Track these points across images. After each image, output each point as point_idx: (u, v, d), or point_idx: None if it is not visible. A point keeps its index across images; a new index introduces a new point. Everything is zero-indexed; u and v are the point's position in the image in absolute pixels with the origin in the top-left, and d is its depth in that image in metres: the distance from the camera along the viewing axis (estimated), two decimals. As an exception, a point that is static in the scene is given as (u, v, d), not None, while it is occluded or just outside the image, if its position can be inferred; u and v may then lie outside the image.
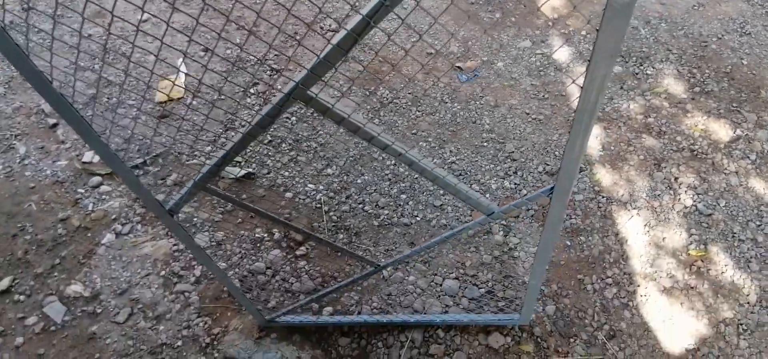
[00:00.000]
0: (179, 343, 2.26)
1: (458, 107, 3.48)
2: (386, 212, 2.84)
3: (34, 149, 3.36)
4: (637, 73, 3.52)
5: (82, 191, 3.08)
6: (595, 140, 3.13)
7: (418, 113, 3.48)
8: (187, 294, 2.47)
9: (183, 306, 2.41)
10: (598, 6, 4.13)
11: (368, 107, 3.54)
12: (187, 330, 2.31)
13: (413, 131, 3.31)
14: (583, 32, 3.92)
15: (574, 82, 1.51)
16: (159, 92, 3.82)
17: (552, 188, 1.59)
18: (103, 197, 3.01)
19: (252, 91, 3.76)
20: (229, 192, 3.04)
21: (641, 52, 3.67)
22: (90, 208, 2.94)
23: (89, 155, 3.38)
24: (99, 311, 2.38)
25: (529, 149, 3.13)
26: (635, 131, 3.16)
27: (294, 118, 3.51)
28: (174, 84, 3.80)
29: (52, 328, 2.30)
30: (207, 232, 2.79)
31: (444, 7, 4.33)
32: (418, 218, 2.80)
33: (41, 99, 3.86)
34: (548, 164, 3.02)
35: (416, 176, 3.03)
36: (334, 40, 1.29)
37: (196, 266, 2.62)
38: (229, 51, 4.11)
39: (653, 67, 3.53)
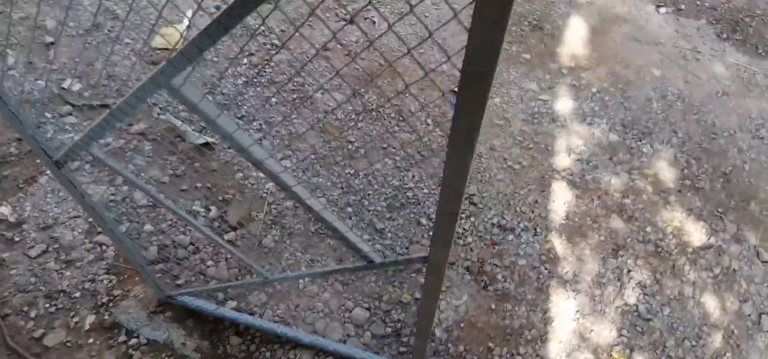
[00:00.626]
0: (77, 294, 2.24)
1: (438, 134, 3.31)
2: (327, 220, 2.73)
3: (21, 62, 3.40)
4: (632, 148, 3.26)
5: (49, 115, 3.08)
6: (562, 206, 2.92)
7: (397, 127, 3.33)
8: (105, 247, 2.43)
9: (96, 258, 2.38)
10: (620, 66, 3.85)
11: (350, 107, 3.42)
12: (90, 283, 2.27)
13: (384, 145, 3.17)
14: (594, 89, 3.66)
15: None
16: (159, 36, 3.80)
17: (425, 257, 1.45)
18: (66, 127, 3.01)
19: (244, 61, 3.69)
20: (186, 157, 2.99)
21: (645, 126, 3.39)
22: (49, 136, 2.95)
23: (68, 82, 3.39)
24: (17, 240, 2.38)
25: (491, 196, 2.95)
26: (607, 208, 2.92)
27: (274, 99, 3.43)
28: (180, 35, 3.77)
29: (-33, 245, 2.32)
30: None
31: (458, 27, 4.14)
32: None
33: (47, 15, 3.90)
34: (505, 219, 2.84)
35: (369, 192, 2.90)
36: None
37: (125, 221, 2.59)
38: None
39: (651, 146, 3.25)
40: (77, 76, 3.41)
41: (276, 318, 2.31)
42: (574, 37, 4.03)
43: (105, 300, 2.24)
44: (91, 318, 2.20)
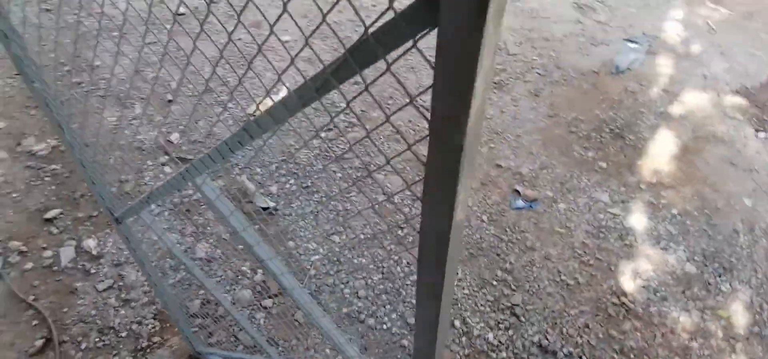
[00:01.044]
0: (124, 334, 2.46)
1: (492, 231, 3.20)
2: (360, 305, 2.73)
3: (143, 113, 3.97)
4: (709, 284, 2.85)
5: (150, 163, 3.54)
6: (617, 336, 2.61)
7: (465, 230, 3.28)
8: (160, 291, 2.68)
9: (149, 301, 2.62)
10: (709, 189, 3.45)
11: (408, 193, 3.45)
12: (136, 325, 2.50)
13: (434, 236, 3.13)
14: (675, 211, 3.31)
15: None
16: (257, 105, 4.21)
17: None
18: (160, 176, 3.43)
19: (322, 134, 3.93)
20: (249, 218, 3.22)
21: (728, 261, 2.96)
22: (146, 180, 3.38)
23: (175, 137, 3.87)
24: (92, 272, 2.71)
25: (537, 310, 2.74)
26: (670, 348, 2.56)
27: (339, 175, 3.59)
28: (256, 105, 4.16)
29: (55, 268, 2.68)
30: (209, 244, 3.00)
31: (534, 124, 4.04)
32: (383, 327, 2.64)
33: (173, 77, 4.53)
34: (548, 339, 2.61)
35: (408, 282, 2.86)
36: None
37: (182, 270, 2.83)
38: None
39: (731, 285, 2.82)
40: (181, 131, 3.90)
41: (290, 395, 2.33)
42: (660, 151, 3.72)
43: (145, 344, 2.44)
44: None
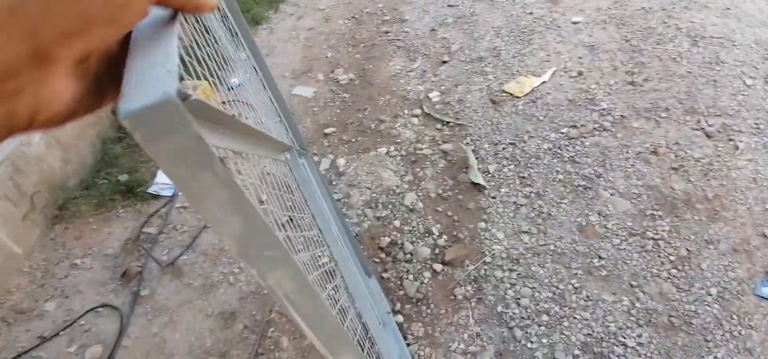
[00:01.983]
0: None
1: (714, 310, 2.45)
2: (516, 313, 2.61)
3: (420, 68, 4.51)
4: None
5: (406, 112, 4.06)
6: None
7: (665, 271, 2.65)
8: (368, 218, 3.22)
9: (358, 223, 3.19)
10: None
11: (630, 223, 2.92)
12: (343, 236, 3.11)
13: (633, 283, 2.62)
14: None
15: None
16: (515, 82, 4.20)
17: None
18: (407, 125, 3.92)
19: (563, 130, 3.64)
20: (458, 186, 3.38)
21: None
22: (396, 125, 3.93)
23: (434, 95, 4.26)
24: (333, 183, 3.46)
25: None
26: None
27: (561, 176, 3.30)
28: (529, 86, 4.09)
29: (314, 172, 3.55)
30: (417, 196, 3.34)
31: None
32: (527, 345, 2.46)
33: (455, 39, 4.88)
34: None
35: (575, 316, 2.54)
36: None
37: (387, 208, 3.29)
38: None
39: None
40: (441, 91, 4.28)
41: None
42: None
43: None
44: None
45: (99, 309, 2.64)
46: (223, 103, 1.35)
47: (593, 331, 2.44)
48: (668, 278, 2.62)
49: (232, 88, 1.14)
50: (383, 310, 2.59)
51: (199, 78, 0.76)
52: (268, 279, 0.46)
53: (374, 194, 3.33)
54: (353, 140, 3.80)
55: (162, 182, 3.26)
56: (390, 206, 3.25)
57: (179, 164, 0.33)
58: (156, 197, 3.25)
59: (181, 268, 2.86)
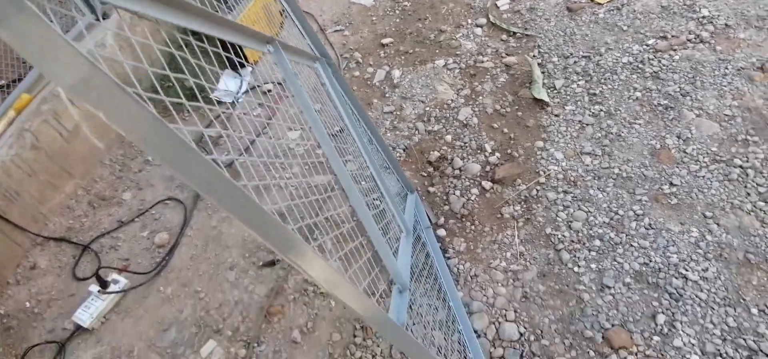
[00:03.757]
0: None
1: (812, 255, 2.11)
2: (566, 235, 2.43)
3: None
4: None
5: (470, 21, 3.78)
6: None
7: (760, 229, 2.31)
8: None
9: (408, 136, 3.11)
10: None
11: (714, 148, 2.54)
12: (390, 149, 3.06)
13: (708, 214, 2.32)
14: None
15: None
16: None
17: None
18: (470, 35, 3.65)
19: (650, 41, 3.17)
20: (518, 100, 3.13)
21: None
22: (458, 36, 3.68)
23: (503, 3, 3.90)
24: (386, 95, 3.36)
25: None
26: None
27: (639, 94, 2.92)
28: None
29: (369, 82, 3.46)
30: (472, 111, 3.16)
31: None
32: (574, 269, 2.31)
33: None
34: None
35: (633, 244, 2.32)
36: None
37: (439, 123, 3.15)
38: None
39: None
40: (510, 1, 3.90)
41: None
42: None
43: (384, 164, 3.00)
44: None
45: (167, 202, 2.90)
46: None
47: (650, 260, 2.24)
48: (752, 211, 2.29)
49: None
50: (423, 224, 2.56)
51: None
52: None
53: (427, 108, 3.21)
54: (411, 51, 3.64)
55: (224, 89, 3.40)
56: (443, 121, 3.13)
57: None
58: (219, 102, 3.40)
59: (237, 170, 3.02)
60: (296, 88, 1.07)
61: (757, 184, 2.37)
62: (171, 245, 2.68)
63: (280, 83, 3.47)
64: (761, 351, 1.89)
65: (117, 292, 2.41)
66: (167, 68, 0.95)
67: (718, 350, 1.92)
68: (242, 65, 3.45)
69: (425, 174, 2.89)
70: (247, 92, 3.44)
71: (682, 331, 2.00)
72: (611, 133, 2.78)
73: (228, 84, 3.41)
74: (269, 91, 3.44)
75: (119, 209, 2.91)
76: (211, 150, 3.13)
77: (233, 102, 3.34)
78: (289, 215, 2.82)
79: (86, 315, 2.32)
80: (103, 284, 2.39)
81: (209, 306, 2.40)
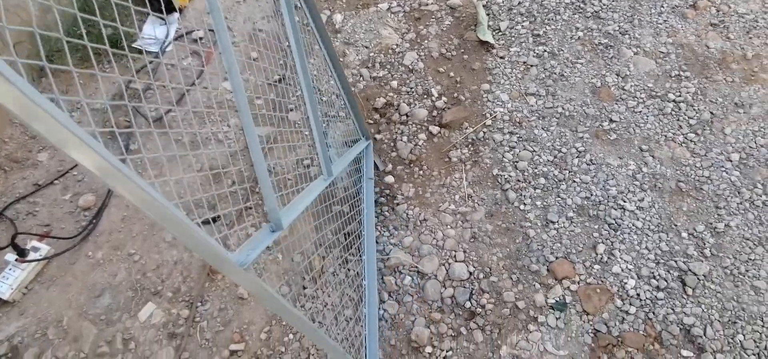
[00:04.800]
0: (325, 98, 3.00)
1: (736, 177, 2.29)
2: (511, 175, 2.50)
3: None
4: None
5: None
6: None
7: (691, 159, 2.45)
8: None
9: (353, 83, 3.05)
10: None
11: (651, 85, 2.66)
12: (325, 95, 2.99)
13: (646, 148, 2.44)
14: None
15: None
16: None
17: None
18: None
19: (592, -20, 3.23)
20: (462, 43, 3.13)
21: None
22: None
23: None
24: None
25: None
26: None
27: (581, 33, 2.99)
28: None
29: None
30: (418, 56, 3.12)
31: None
32: (520, 207, 2.39)
33: None
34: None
35: (575, 180, 2.42)
36: None
37: (385, 69, 3.10)
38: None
39: None
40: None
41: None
42: None
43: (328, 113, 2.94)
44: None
45: (91, 162, 2.70)
46: None
47: (591, 194, 2.34)
48: (684, 142, 2.44)
49: None
50: (366, 174, 2.54)
51: None
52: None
53: (372, 53, 3.14)
54: (353, -5, 3.51)
55: (148, 37, 3.15)
56: (388, 66, 3.07)
57: None
58: (141, 52, 3.16)
59: (169, 124, 2.84)
60: (219, 24, 0.98)
61: (688, 117, 2.52)
62: (98, 208, 2.51)
63: (211, 30, 3.26)
64: (690, 270, 2.05)
65: (38, 260, 2.24)
66: (78, 11, 0.83)
67: (652, 273, 2.07)
68: (169, 9, 3.21)
69: (371, 121, 2.85)
70: (175, 39, 3.21)
71: (620, 258, 2.12)
72: (555, 73, 2.84)
73: (153, 31, 3.16)
74: (201, 38, 3.23)
75: (34, 171, 2.67)
76: (135, 105, 2.93)
77: (158, 52, 3.11)
78: (229, 168, 2.72)
79: (5, 286, 2.14)
80: (21, 252, 2.21)
81: (145, 269, 2.29)
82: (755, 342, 1.86)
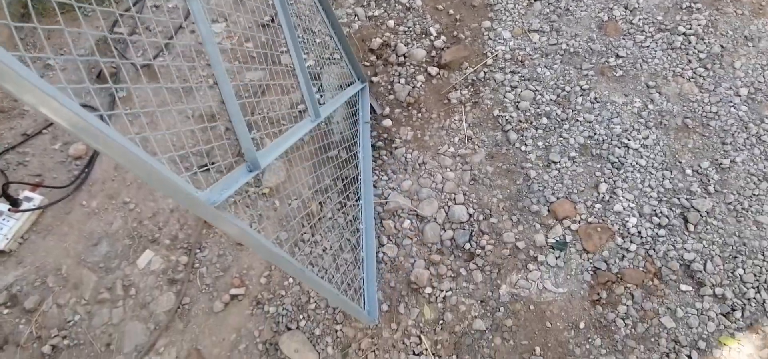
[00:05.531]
0: (318, 40, 2.92)
1: (744, 112, 2.25)
2: (513, 116, 2.46)
3: None
4: None
5: None
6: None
7: (699, 95, 2.40)
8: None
9: (345, 28, 2.95)
10: None
11: (660, 18, 2.58)
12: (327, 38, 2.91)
13: (648, 79, 2.39)
14: None
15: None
16: None
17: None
18: None
19: None
20: (468, -20, 3.02)
21: None
22: None
23: None
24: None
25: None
26: None
27: (589, -35, 2.87)
28: None
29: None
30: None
31: None
32: (521, 148, 2.37)
33: None
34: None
35: (579, 118, 2.39)
36: None
37: (381, 7, 3.01)
38: None
39: None
40: None
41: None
42: None
43: (328, 55, 2.87)
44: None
45: (79, 111, 2.66)
46: None
47: (595, 133, 2.32)
48: (692, 77, 2.39)
49: None
50: (363, 117, 2.50)
51: None
52: None
53: (369, -9, 3.03)
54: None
55: (132, -22, 3.03)
56: (384, 4, 2.98)
57: None
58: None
59: (157, 70, 2.78)
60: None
61: (698, 51, 2.46)
62: (90, 157, 2.49)
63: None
64: (693, 207, 2.05)
65: (32, 209, 2.24)
66: None
67: (655, 210, 2.07)
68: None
69: (368, 63, 2.79)
70: (160, -20, 3.09)
71: (622, 197, 2.12)
72: (560, 7, 2.75)
73: (136, -28, 3.05)
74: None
75: (22, 121, 2.64)
76: (121, 50, 2.86)
77: (145, -7, 3.00)
78: (222, 114, 2.68)
79: (-1, 236, 2.16)
80: (14, 202, 2.21)
81: (142, 217, 2.30)
82: (755, 275, 1.88)
